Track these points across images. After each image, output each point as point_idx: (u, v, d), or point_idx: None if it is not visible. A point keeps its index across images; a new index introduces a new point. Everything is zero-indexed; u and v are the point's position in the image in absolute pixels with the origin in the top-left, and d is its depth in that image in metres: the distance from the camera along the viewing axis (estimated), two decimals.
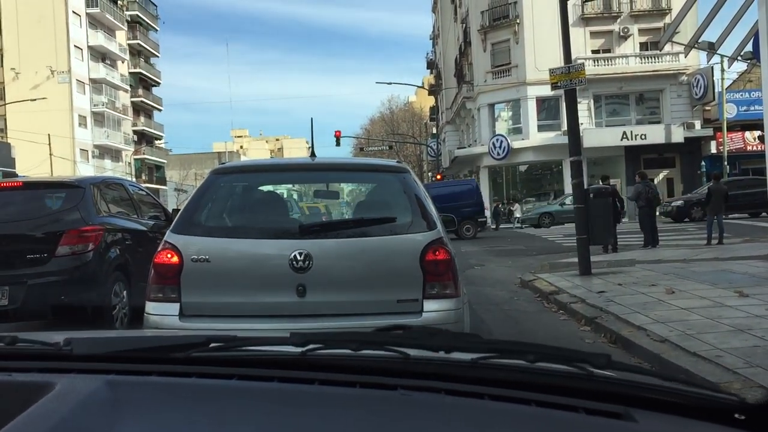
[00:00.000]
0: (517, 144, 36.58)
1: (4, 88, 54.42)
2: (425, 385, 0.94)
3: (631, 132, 34.85)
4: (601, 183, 17.18)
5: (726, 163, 31.79)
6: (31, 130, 46.89)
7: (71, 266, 6.89)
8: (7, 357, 1.04)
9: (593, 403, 0.91)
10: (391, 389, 0.93)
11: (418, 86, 64.25)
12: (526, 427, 0.86)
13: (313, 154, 5.21)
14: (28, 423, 0.76)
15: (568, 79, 10.82)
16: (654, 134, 34.63)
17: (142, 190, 9.71)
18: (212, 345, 1.03)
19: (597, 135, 34.54)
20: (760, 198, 23.22)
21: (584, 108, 33.89)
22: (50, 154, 47.71)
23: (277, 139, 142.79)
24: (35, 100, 44.67)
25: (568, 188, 22.24)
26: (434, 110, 62.14)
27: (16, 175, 33.54)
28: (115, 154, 62.26)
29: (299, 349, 1.01)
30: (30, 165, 42.84)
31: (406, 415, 0.89)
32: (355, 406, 0.91)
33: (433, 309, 4.09)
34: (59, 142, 49.86)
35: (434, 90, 58.36)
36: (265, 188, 5.31)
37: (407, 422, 0.88)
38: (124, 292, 7.43)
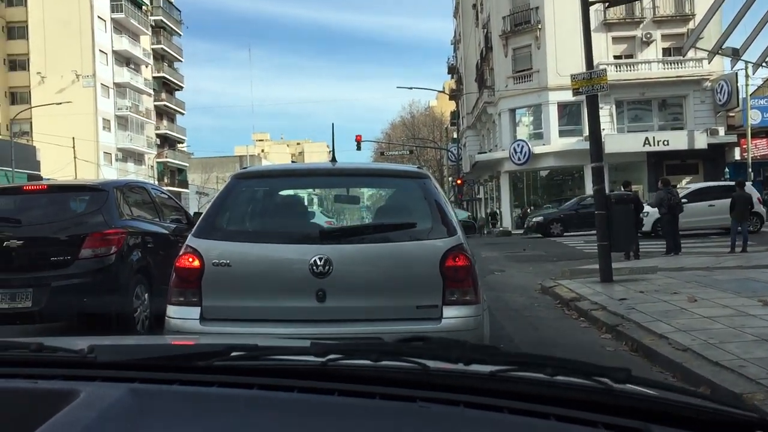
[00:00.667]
0: (538, 149, 36.41)
1: (30, 92, 55.22)
2: (444, 398, 0.94)
3: (654, 138, 34.55)
4: (622, 189, 17.05)
5: (750, 170, 31.35)
6: (56, 134, 47.53)
7: (94, 269, 6.96)
8: (32, 364, 1.05)
9: (612, 418, 0.90)
10: (410, 401, 0.93)
11: (439, 91, 64.31)
12: None
13: (333, 159, 5.23)
14: (54, 431, 0.77)
15: (590, 85, 10.76)
16: (677, 140, 34.30)
17: (164, 193, 9.79)
18: (234, 354, 1.04)
19: (619, 141, 34.28)
20: None
21: (606, 113, 33.67)
22: (74, 157, 48.34)
23: (298, 143, 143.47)
24: (60, 103, 45.34)
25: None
26: (455, 115, 62.16)
27: (41, 178, 34.03)
28: (138, 158, 62.89)
29: (320, 359, 1.02)
30: (55, 168, 43.44)
31: (425, 427, 0.89)
32: (374, 418, 0.91)
33: (453, 315, 4.08)
34: (83, 146, 50.50)
35: (455, 95, 58.34)
36: (286, 193, 5.33)
37: None
38: (146, 295, 7.49)
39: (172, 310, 4.21)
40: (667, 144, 34.27)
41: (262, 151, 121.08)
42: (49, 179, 27.72)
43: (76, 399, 0.86)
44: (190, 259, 4.19)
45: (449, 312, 4.08)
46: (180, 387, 0.98)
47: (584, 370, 0.97)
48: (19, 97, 56.44)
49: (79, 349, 1.07)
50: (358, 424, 0.90)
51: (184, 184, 71.14)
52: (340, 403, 0.94)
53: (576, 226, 26.74)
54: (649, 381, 0.98)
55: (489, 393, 0.95)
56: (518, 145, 36.80)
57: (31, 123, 53.27)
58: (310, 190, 9.01)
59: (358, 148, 44.29)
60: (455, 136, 59.32)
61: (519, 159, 36.65)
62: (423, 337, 1.13)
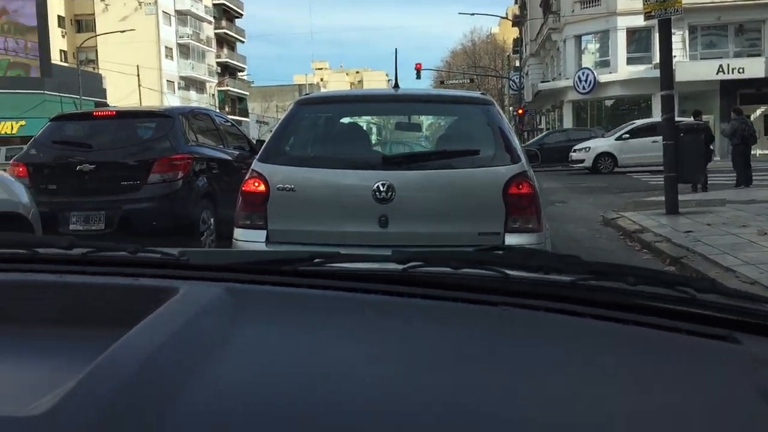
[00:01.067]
0: (603, 78, 35.22)
1: (95, 19, 55.96)
2: (525, 303, 0.96)
3: (728, 65, 32.92)
4: (692, 119, 16.45)
5: None
6: (120, 62, 48.31)
7: (162, 193, 7.15)
8: (131, 264, 1.12)
9: (696, 326, 0.91)
10: (491, 305, 0.95)
11: (501, 17, 62.43)
12: (627, 345, 0.88)
13: (396, 86, 5.18)
14: (158, 323, 0.83)
15: (663, 9, 10.27)
16: (753, 68, 32.60)
17: (228, 121, 9.90)
18: (316, 260, 1.08)
19: (691, 68, 32.80)
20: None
21: (678, 39, 32.11)
22: (139, 85, 49.15)
23: (357, 72, 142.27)
24: (124, 31, 45.84)
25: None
26: (518, 42, 60.43)
27: (107, 106, 34.81)
28: (199, 86, 63.58)
29: (400, 266, 1.05)
30: (120, 95, 44.39)
31: (508, 329, 0.92)
32: (457, 320, 0.94)
33: (515, 243, 4.07)
34: (147, 74, 51.25)
35: (518, 21, 56.57)
36: (349, 119, 5.34)
37: (509, 335, 0.90)
38: (211, 219, 7.68)
39: (238, 233, 4.32)
40: (743, 72, 32.63)
41: (321, 79, 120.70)
42: (115, 107, 28.36)
43: (176, 295, 0.91)
44: (256, 184, 4.27)
45: (511, 239, 4.08)
46: (271, 287, 1.03)
47: (666, 280, 0.97)
48: (84, 24, 57.31)
49: (172, 254, 1.13)
50: (443, 324, 0.93)
51: (245, 112, 71.75)
52: (423, 305, 0.97)
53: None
54: (734, 291, 0.97)
55: (570, 300, 0.97)
56: (583, 73, 35.66)
57: (96, 51, 54.16)
58: (370, 118, 8.96)
59: (418, 76, 43.65)
60: (517, 64, 57.82)
61: (584, 88, 35.56)
62: (502, 246, 1.15)
